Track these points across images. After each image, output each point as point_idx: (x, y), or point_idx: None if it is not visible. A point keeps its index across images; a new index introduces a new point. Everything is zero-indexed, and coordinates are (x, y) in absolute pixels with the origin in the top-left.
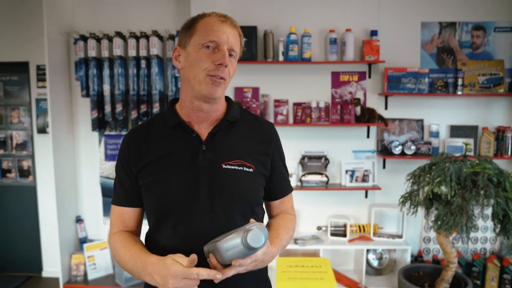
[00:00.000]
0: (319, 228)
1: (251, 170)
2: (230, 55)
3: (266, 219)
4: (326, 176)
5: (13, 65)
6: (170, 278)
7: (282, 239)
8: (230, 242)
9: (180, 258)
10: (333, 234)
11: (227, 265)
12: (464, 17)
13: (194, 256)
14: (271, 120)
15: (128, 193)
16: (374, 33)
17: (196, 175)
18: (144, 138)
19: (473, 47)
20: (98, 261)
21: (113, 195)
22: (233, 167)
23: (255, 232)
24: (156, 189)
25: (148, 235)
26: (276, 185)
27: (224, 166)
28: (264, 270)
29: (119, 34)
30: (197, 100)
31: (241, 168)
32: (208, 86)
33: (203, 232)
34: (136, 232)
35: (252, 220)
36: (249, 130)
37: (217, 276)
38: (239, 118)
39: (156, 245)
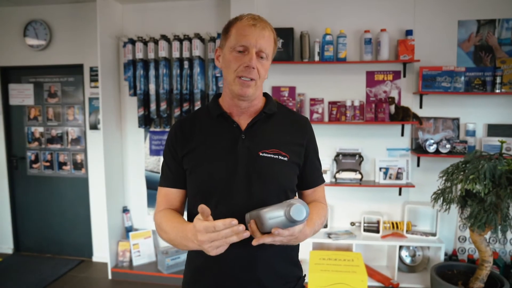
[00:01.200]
0: (352, 223)
1: (285, 159)
2: (261, 57)
3: None
4: (360, 173)
5: (69, 67)
6: (197, 234)
7: (314, 223)
8: (274, 212)
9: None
10: (366, 230)
11: (265, 233)
12: (504, 13)
13: (202, 206)
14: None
15: (174, 175)
16: (409, 32)
17: (235, 160)
18: (189, 127)
19: None
20: (143, 249)
21: (160, 178)
22: (269, 155)
23: (298, 206)
24: (199, 172)
25: (190, 215)
26: (309, 175)
27: (261, 154)
28: (295, 253)
29: (164, 37)
30: (234, 98)
31: (277, 156)
32: (238, 87)
33: (241, 211)
34: (180, 212)
35: (296, 197)
36: (285, 123)
37: (233, 222)
38: (276, 111)
39: None
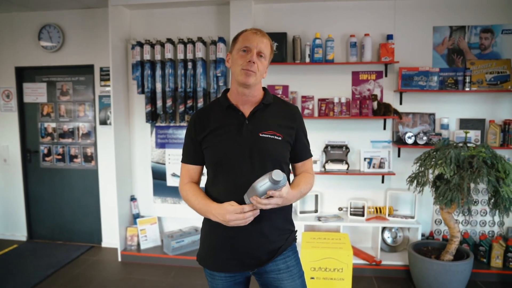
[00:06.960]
0: (340, 209)
1: (279, 138)
2: (260, 56)
3: (291, 178)
4: (347, 163)
5: (81, 67)
6: (227, 213)
7: (301, 188)
8: (261, 182)
9: (232, 203)
10: (353, 214)
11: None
12: (473, 21)
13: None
14: None
15: (193, 154)
16: (390, 37)
17: (241, 140)
18: (205, 116)
19: (482, 48)
20: (149, 234)
21: (182, 156)
22: (267, 136)
23: (276, 171)
24: (214, 150)
25: (207, 184)
26: (298, 151)
27: (261, 135)
28: (289, 212)
29: (169, 41)
30: (239, 87)
31: (273, 136)
32: (242, 76)
33: (246, 179)
34: (198, 182)
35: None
36: (279, 110)
37: (256, 212)
38: (272, 102)
39: (215, 188)
